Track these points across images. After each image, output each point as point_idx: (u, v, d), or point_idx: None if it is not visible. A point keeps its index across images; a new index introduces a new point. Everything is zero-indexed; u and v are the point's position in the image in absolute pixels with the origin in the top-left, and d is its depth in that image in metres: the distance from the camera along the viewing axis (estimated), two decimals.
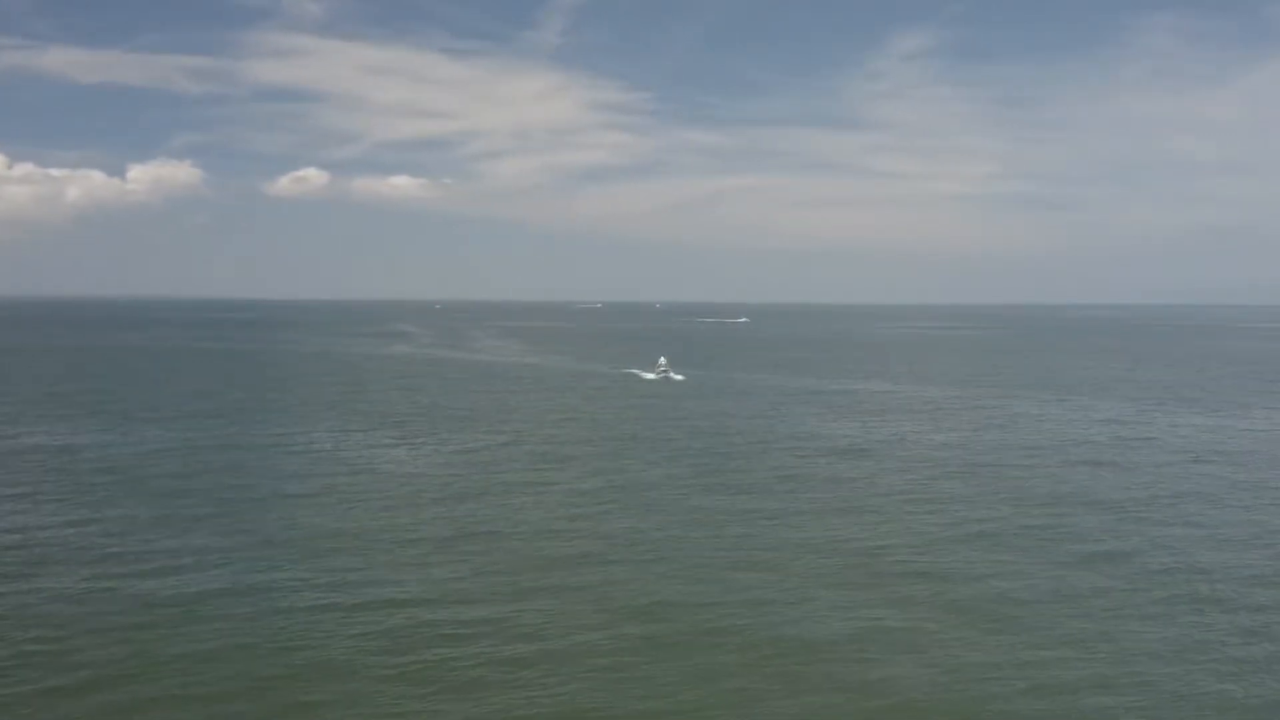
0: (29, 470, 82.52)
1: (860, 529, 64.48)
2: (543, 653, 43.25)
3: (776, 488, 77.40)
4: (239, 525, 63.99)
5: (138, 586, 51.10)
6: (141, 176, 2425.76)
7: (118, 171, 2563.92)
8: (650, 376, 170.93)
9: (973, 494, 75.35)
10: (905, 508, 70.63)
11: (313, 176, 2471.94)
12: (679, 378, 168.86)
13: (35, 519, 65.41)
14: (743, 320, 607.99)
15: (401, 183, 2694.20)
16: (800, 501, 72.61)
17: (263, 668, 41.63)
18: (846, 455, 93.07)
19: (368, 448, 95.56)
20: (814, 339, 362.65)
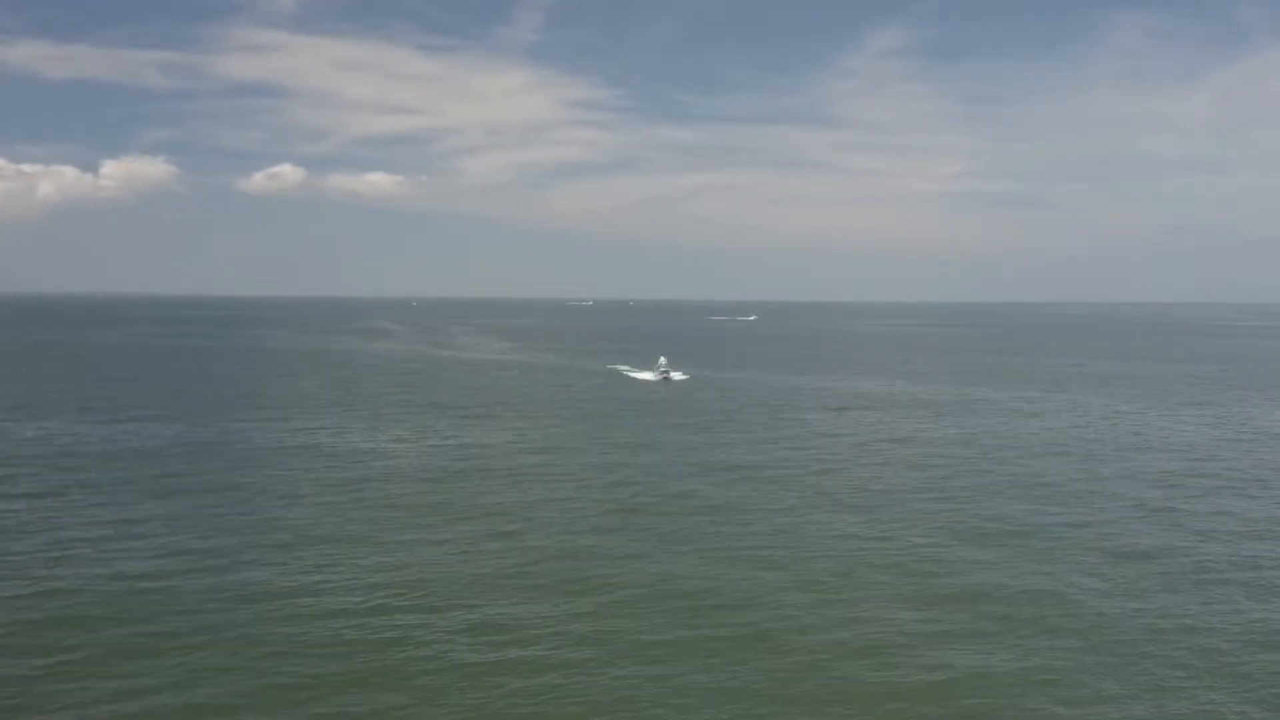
0: (11, 471, 77.73)
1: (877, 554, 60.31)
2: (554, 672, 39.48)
3: (789, 512, 72.96)
4: (232, 525, 60.14)
5: (138, 590, 46.77)
6: (114, 172, 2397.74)
7: (90, 167, 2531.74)
8: (648, 377, 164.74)
9: (1009, 507, 71.53)
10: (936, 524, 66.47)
11: (287, 173, 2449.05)
12: (680, 377, 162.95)
13: (20, 517, 61.00)
14: (751, 318, 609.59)
15: (377, 179, 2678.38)
16: (811, 533, 68.19)
17: (268, 668, 38.99)
18: (866, 469, 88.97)
19: (362, 450, 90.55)
20: (815, 337, 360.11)
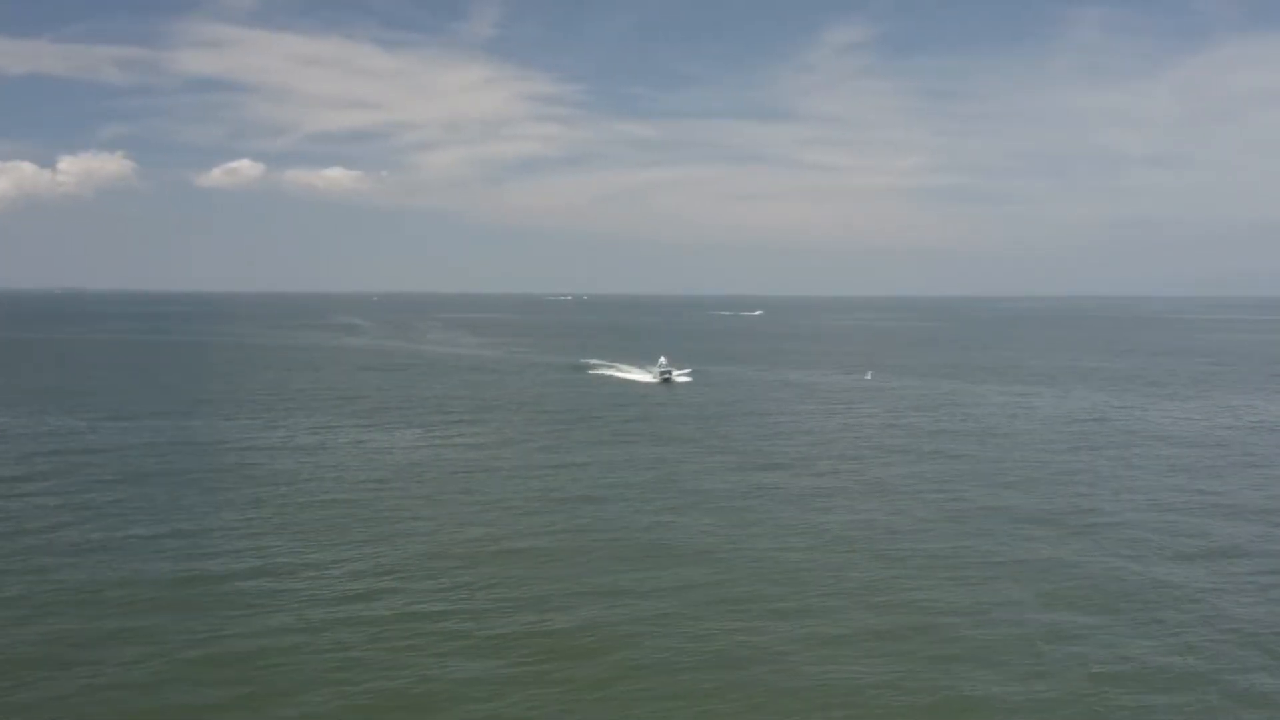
0: None
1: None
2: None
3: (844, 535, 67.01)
4: (212, 519, 53.78)
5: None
6: (72, 168, 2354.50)
7: (48, 163, 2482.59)
8: (646, 378, 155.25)
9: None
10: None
11: (245, 168, 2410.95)
12: (684, 378, 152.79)
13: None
14: (758, 313, 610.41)
15: (335, 175, 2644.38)
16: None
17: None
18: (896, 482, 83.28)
19: (363, 455, 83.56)
20: (810, 332, 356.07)
